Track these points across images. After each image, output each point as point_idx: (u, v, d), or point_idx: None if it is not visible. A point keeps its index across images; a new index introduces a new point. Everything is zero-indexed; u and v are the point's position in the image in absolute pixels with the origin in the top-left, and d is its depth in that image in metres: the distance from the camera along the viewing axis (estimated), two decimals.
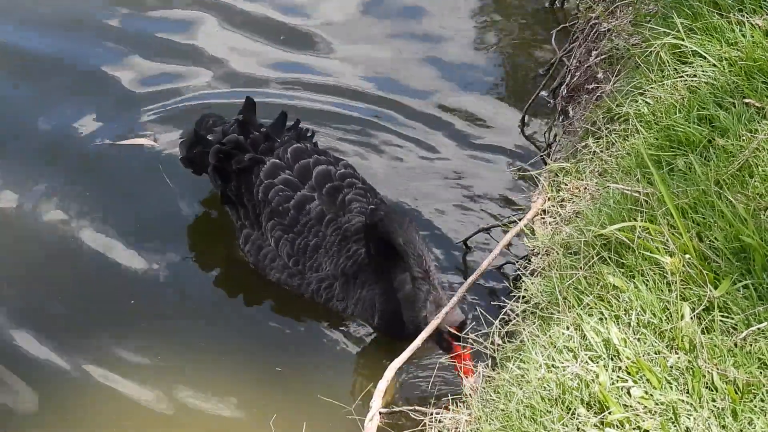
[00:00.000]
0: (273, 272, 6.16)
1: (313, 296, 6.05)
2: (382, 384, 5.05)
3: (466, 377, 5.14)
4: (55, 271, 6.31)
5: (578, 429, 3.96)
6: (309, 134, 6.51)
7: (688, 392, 3.99)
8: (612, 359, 4.15)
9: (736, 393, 3.95)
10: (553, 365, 4.20)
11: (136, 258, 6.35)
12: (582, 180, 5.36)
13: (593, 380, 4.07)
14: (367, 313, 5.92)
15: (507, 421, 4.15)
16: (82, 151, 7.07)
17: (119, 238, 6.46)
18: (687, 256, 4.34)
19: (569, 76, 6.91)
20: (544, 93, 7.36)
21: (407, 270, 5.57)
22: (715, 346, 4.08)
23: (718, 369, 4.00)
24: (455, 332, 5.28)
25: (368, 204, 6.12)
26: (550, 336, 4.35)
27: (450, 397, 4.73)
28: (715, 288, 4.23)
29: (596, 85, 6.25)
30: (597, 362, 4.14)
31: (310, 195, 6.10)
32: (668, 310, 4.24)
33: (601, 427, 3.95)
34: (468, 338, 4.93)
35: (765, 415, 3.87)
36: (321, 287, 6.01)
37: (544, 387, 4.14)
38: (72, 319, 6.02)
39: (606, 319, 4.30)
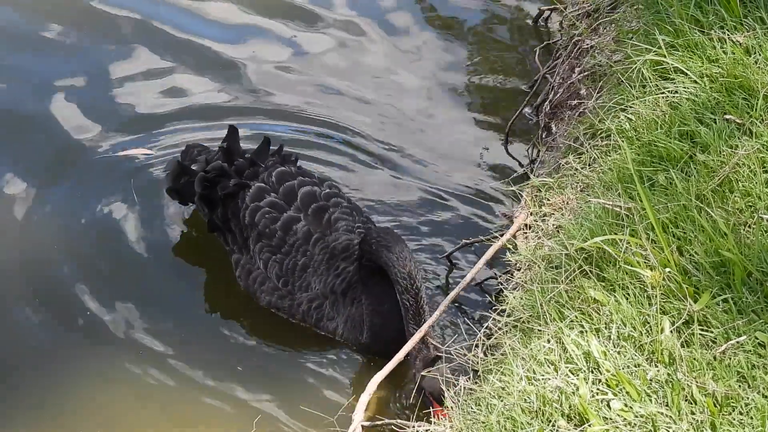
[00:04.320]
0: (263, 295, 6.10)
1: (304, 317, 6.00)
2: (365, 397, 5.07)
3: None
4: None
5: None
6: (293, 158, 6.48)
7: (667, 405, 4.01)
8: (592, 372, 4.17)
9: (715, 406, 3.97)
10: (533, 378, 4.23)
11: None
12: (564, 195, 5.40)
13: (573, 393, 4.09)
14: (356, 330, 5.86)
15: None
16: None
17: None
18: (667, 269, 4.38)
19: (552, 92, 6.96)
20: (527, 109, 7.39)
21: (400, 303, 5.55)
22: (694, 359, 4.11)
23: (697, 382, 4.03)
24: (436, 399, 5.23)
25: (354, 222, 6.11)
26: (531, 349, 4.37)
27: (432, 410, 4.74)
28: (695, 302, 4.27)
29: (579, 102, 6.29)
30: (577, 375, 4.16)
31: (296, 216, 6.08)
32: (648, 323, 4.27)
33: None
34: (446, 402, 4.83)
35: (743, 428, 3.90)
36: (311, 307, 5.97)
37: (525, 399, 4.16)
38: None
39: (586, 332, 4.32)
